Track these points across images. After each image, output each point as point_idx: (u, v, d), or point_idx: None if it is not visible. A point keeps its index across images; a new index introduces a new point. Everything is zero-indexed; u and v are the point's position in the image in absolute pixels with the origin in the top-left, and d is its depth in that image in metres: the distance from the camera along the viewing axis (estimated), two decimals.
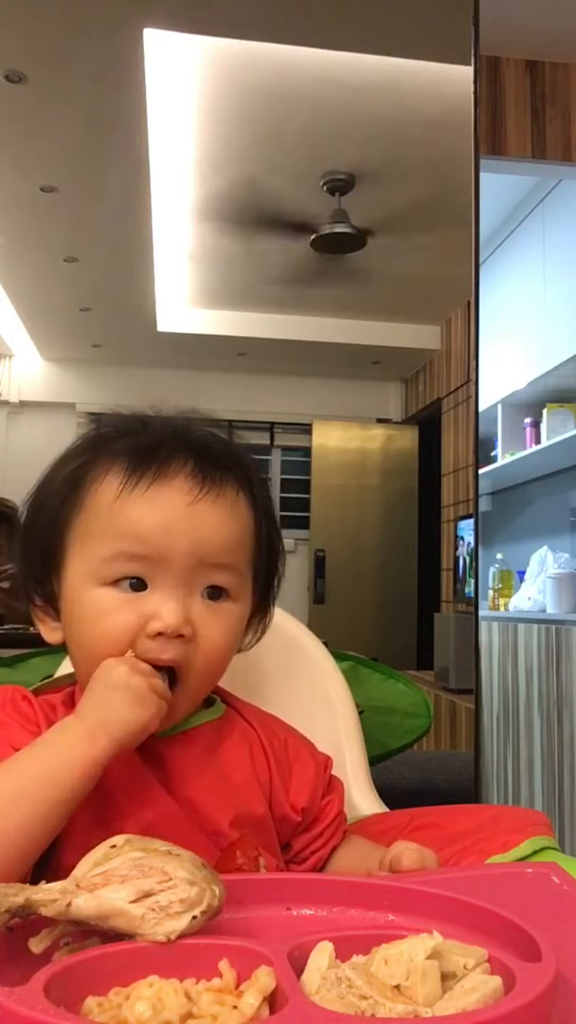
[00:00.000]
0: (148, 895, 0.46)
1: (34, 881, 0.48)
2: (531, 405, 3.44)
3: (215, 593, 0.67)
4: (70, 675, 0.74)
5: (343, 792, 0.79)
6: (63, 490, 0.68)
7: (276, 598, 0.77)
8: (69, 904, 0.46)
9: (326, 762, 0.79)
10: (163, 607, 0.64)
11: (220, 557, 0.66)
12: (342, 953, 0.45)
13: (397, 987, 0.43)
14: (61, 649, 0.76)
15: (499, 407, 3.58)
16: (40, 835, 0.56)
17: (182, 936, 0.46)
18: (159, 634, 0.64)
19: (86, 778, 0.58)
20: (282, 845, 0.74)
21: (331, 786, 0.78)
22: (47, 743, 0.60)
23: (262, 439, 3.50)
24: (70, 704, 0.70)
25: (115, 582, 0.65)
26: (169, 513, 0.65)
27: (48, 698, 0.71)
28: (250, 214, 2.87)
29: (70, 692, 0.72)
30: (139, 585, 0.65)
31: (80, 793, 0.58)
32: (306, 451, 3.50)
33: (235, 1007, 0.41)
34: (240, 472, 0.70)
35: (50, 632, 0.72)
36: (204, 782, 0.68)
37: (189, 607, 0.65)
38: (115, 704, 0.60)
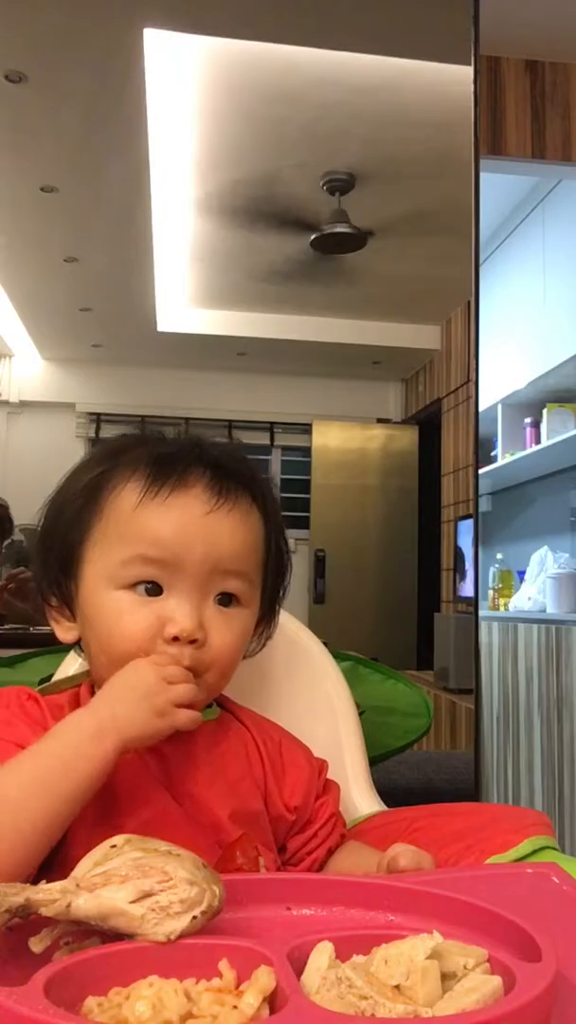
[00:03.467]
0: (148, 895, 0.46)
1: (36, 879, 0.48)
2: (531, 405, 3.44)
3: (226, 599, 0.69)
4: (72, 678, 0.74)
5: (339, 795, 0.80)
6: (83, 495, 0.71)
7: (281, 606, 0.80)
8: (69, 904, 0.46)
9: (321, 765, 0.80)
10: (178, 611, 0.66)
11: (233, 564, 0.69)
12: (342, 953, 0.45)
13: (397, 987, 0.43)
14: (61, 649, 0.76)
15: (499, 407, 3.58)
16: (52, 830, 0.57)
17: (182, 936, 0.46)
18: (175, 639, 0.65)
19: (98, 773, 0.59)
20: (277, 847, 0.74)
21: (326, 788, 0.79)
22: (59, 738, 0.60)
23: (262, 439, 3.50)
24: (75, 706, 0.71)
25: (132, 586, 0.67)
26: (187, 520, 0.67)
27: (54, 699, 0.72)
28: (250, 214, 2.86)
29: (75, 694, 0.73)
30: (154, 590, 0.67)
31: (92, 788, 0.59)
32: (306, 451, 3.50)
33: (235, 1007, 0.41)
34: (254, 486, 0.73)
35: (65, 632, 0.74)
36: (203, 776, 0.69)
37: (202, 612, 0.67)
38: (130, 706, 0.61)
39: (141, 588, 0.67)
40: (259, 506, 0.73)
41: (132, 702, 0.61)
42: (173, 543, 0.66)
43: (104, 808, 0.64)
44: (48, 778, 0.57)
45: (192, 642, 0.66)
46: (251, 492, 0.72)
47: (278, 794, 0.74)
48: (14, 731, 0.65)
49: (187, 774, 0.69)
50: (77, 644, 0.74)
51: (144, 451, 0.71)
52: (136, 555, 0.67)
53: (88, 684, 0.73)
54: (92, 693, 0.70)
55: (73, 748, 0.59)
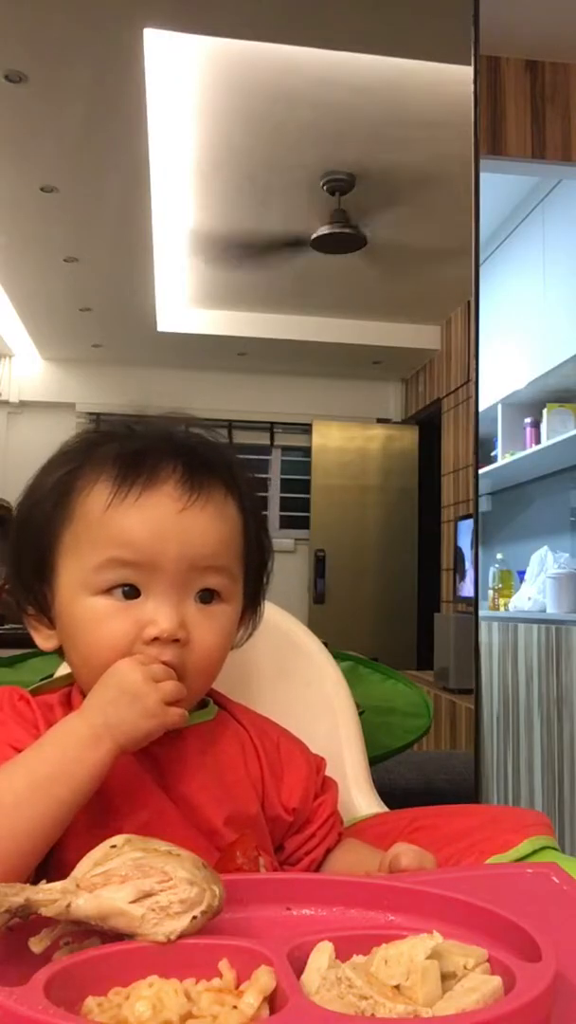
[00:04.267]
0: (148, 895, 0.46)
1: (34, 881, 0.48)
2: (531, 405, 3.44)
3: (207, 596, 0.68)
4: (67, 676, 0.74)
5: (337, 793, 0.79)
6: (52, 499, 0.69)
7: (266, 594, 0.77)
8: (69, 904, 0.46)
9: (319, 764, 0.79)
10: (157, 613, 0.64)
11: (211, 560, 0.67)
12: (342, 953, 0.45)
13: (397, 987, 0.43)
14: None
15: (499, 407, 3.58)
16: (48, 834, 0.57)
17: (182, 936, 0.46)
18: (155, 639, 0.64)
19: (94, 778, 0.58)
20: (275, 847, 0.74)
21: (324, 787, 0.78)
22: (55, 743, 0.60)
23: (262, 439, 3.50)
24: (67, 704, 0.71)
25: (108, 590, 0.65)
26: (160, 520, 0.65)
27: (45, 698, 0.71)
28: (250, 214, 2.87)
29: (66, 693, 0.72)
30: (132, 592, 0.65)
31: (88, 793, 0.58)
32: (306, 451, 3.50)
33: (235, 1007, 0.41)
34: (227, 472, 0.70)
35: (44, 640, 0.72)
36: (198, 780, 0.69)
37: (183, 611, 0.66)
38: (122, 709, 0.61)
39: (118, 592, 0.65)
40: (234, 495, 0.70)
41: (123, 705, 0.61)
42: (147, 544, 0.64)
43: (102, 811, 0.63)
44: (44, 784, 0.57)
45: (175, 641, 0.65)
46: (225, 481, 0.69)
47: (276, 795, 0.73)
48: (7, 731, 0.65)
49: (181, 778, 0.68)
50: (60, 651, 0.72)
51: (111, 448, 0.68)
52: (109, 559, 0.65)
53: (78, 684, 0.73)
54: (83, 693, 0.70)
55: (69, 754, 0.58)
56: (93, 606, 0.65)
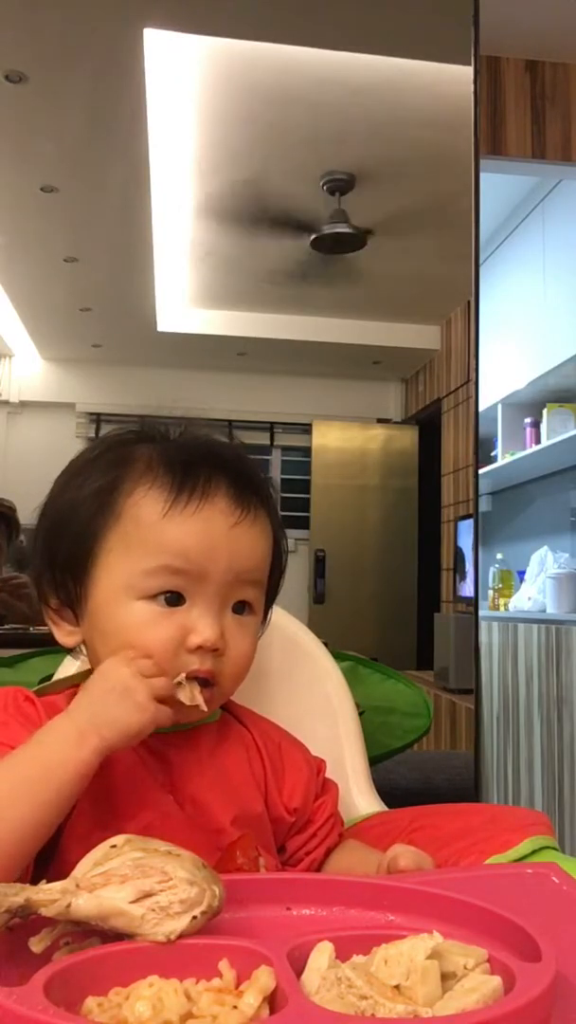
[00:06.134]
0: (148, 895, 0.46)
1: (36, 880, 0.48)
2: (531, 405, 3.44)
3: (241, 607, 0.70)
4: (71, 677, 0.74)
5: (337, 794, 0.80)
6: (96, 499, 0.69)
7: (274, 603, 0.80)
8: (69, 904, 0.46)
9: (319, 765, 0.80)
10: (201, 621, 0.66)
11: (252, 575, 0.70)
12: (342, 953, 0.45)
13: (397, 987, 0.43)
14: (61, 649, 0.76)
15: (499, 407, 3.58)
16: (34, 836, 0.56)
17: (182, 936, 0.46)
18: (198, 647, 0.66)
19: (78, 778, 0.58)
20: (276, 847, 0.74)
21: (324, 788, 0.79)
22: (38, 744, 0.60)
23: (262, 439, 3.50)
24: None
25: (153, 596, 0.66)
26: (213, 533, 0.67)
27: (52, 699, 0.71)
28: (250, 214, 2.86)
29: (72, 694, 0.72)
30: (175, 600, 0.67)
31: (73, 793, 0.58)
32: (306, 451, 3.50)
33: (235, 1007, 0.41)
34: (263, 488, 0.73)
35: (66, 636, 0.72)
36: (206, 780, 0.69)
37: (223, 622, 0.67)
38: (110, 706, 0.61)
39: (162, 598, 0.66)
40: (269, 510, 0.73)
41: (112, 702, 0.61)
42: (200, 555, 0.66)
43: (104, 811, 0.63)
44: (28, 786, 0.57)
45: (213, 651, 0.66)
46: (263, 498, 0.72)
47: (278, 796, 0.74)
48: (8, 732, 0.65)
49: (190, 778, 0.69)
50: (75, 647, 0.73)
51: (155, 452, 0.70)
52: (161, 565, 0.66)
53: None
54: None
55: (53, 755, 0.58)
56: (138, 610, 0.66)
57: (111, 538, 0.68)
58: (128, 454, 0.71)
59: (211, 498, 0.68)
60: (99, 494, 0.69)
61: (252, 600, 0.71)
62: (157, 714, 0.62)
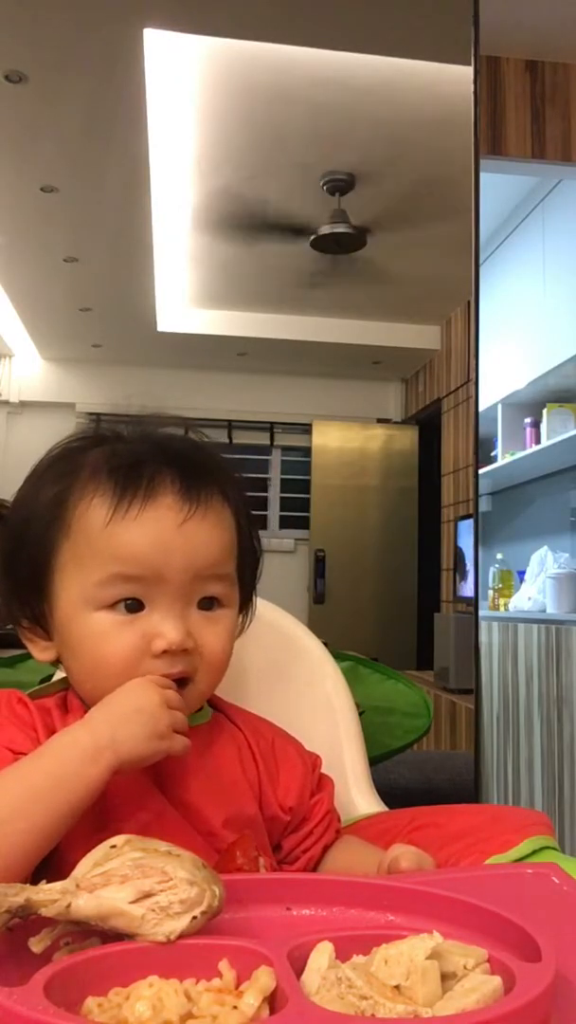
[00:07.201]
0: (148, 895, 0.46)
1: (34, 881, 0.48)
2: (531, 405, 3.44)
3: (209, 603, 0.68)
4: (61, 680, 0.74)
5: (333, 791, 0.79)
6: (47, 513, 0.68)
7: (256, 590, 0.78)
8: (69, 904, 0.46)
9: (315, 761, 0.79)
10: (164, 625, 0.65)
11: (213, 569, 0.68)
12: (342, 953, 0.45)
13: (397, 987, 0.43)
14: None
15: (499, 407, 3.58)
16: (44, 843, 0.57)
17: (182, 936, 0.46)
18: (164, 652, 0.65)
19: (92, 791, 0.58)
20: (273, 846, 0.74)
21: (320, 785, 0.78)
22: (53, 755, 0.59)
23: (262, 439, 3.50)
24: (63, 708, 0.71)
25: (112, 605, 0.65)
26: (161, 533, 0.65)
27: (43, 702, 0.71)
28: (250, 214, 2.86)
29: (62, 697, 0.72)
30: (135, 606, 0.65)
31: (86, 804, 0.58)
32: (306, 451, 3.50)
33: (235, 1007, 0.41)
34: (221, 476, 0.70)
35: (41, 652, 0.72)
36: (197, 783, 0.69)
37: (188, 621, 0.66)
38: (136, 727, 0.60)
39: (121, 606, 0.65)
40: (229, 499, 0.70)
41: (137, 724, 0.60)
42: (150, 559, 0.64)
43: (102, 813, 0.63)
44: (39, 796, 0.57)
45: (183, 651, 0.65)
46: (220, 487, 0.69)
47: (273, 794, 0.73)
48: (5, 734, 0.65)
49: (180, 781, 0.68)
50: (55, 663, 0.72)
51: (101, 458, 0.68)
52: (113, 574, 0.64)
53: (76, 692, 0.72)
54: (81, 700, 0.70)
55: (68, 767, 0.58)
56: (98, 621, 0.65)
57: (64, 553, 0.67)
58: (77, 462, 0.69)
59: (156, 497, 0.65)
60: (50, 507, 0.68)
61: (219, 595, 0.69)
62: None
